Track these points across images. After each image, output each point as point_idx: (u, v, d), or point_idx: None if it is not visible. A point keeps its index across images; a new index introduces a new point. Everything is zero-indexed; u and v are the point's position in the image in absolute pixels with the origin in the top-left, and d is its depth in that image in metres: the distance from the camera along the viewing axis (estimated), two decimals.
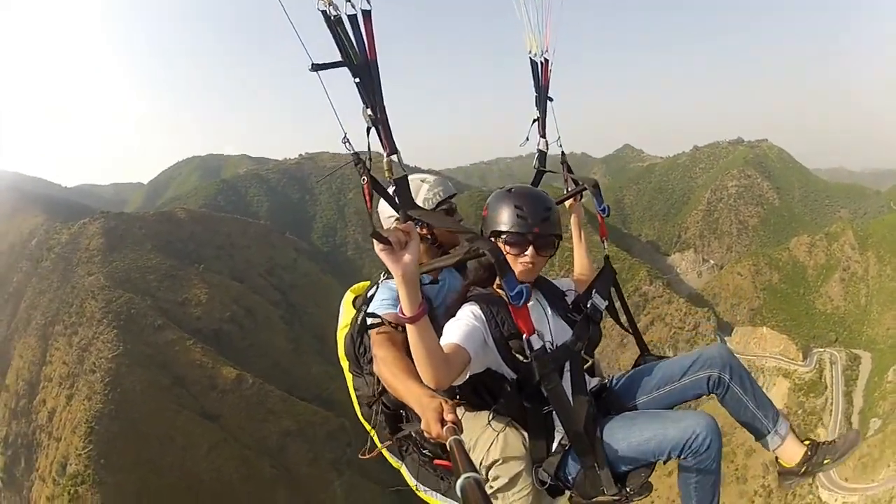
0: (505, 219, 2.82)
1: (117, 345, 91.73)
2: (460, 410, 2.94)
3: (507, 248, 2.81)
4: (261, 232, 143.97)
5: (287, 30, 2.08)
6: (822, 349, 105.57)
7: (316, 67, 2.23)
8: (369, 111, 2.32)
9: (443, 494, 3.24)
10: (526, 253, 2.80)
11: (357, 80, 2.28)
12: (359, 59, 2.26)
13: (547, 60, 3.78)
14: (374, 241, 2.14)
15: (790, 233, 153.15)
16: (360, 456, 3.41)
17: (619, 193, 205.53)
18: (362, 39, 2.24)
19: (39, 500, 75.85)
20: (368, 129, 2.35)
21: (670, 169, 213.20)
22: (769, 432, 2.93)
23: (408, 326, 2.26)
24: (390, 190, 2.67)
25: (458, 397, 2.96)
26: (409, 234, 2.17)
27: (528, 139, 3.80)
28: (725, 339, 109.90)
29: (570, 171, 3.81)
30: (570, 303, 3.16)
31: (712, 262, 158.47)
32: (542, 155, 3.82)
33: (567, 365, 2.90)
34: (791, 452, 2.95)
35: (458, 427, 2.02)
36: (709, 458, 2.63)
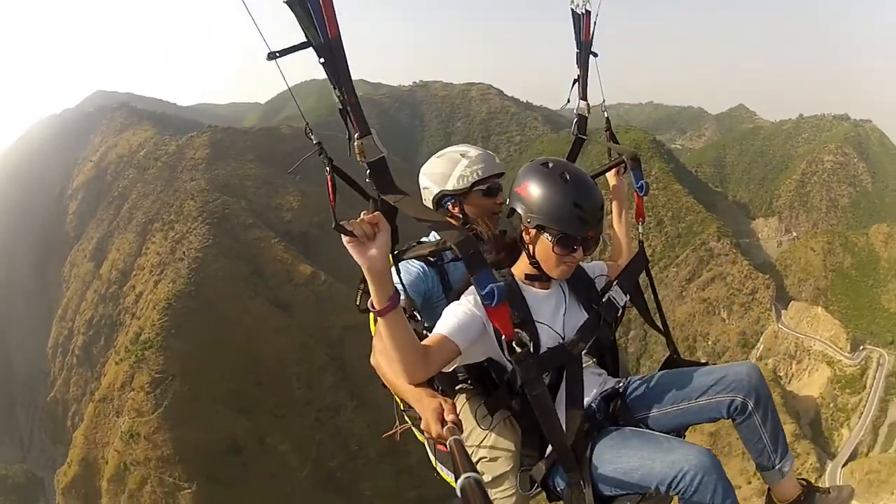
0: (561, 217, 2.47)
1: (207, 238, 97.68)
2: (461, 398, 2.77)
3: (556, 248, 2.50)
4: None
5: None
6: (873, 347, 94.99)
7: (272, 56, 2.00)
8: (337, 92, 2.11)
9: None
10: (574, 255, 2.54)
11: (321, 60, 2.08)
12: (320, 37, 2.04)
13: (588, 12, 3.31)
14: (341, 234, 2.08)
15: (877, 220, 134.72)
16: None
17: (721, 151, 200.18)
18: (321, 15, 2.02)
19: (110, 365, 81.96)
20: (341, 112, 2.14)
21: (774, 134, 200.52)
22: (774, 467, 2.68)
23: (378, 320, 2.16)
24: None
25: (466, 382, 2.81)
26: (376, 226, 2.06)
27: (568, 101, 3.37)
28: (782, 311, 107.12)
29: (613, 139, 3.41)
30: (598, 291, 2.82)
31: (795, 234, 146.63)
32: (583, 120, 3.39)
33: (565, 369, 2.59)
34: (786, 490, 2.75)
35: (458, 427, 2.01)
36: (703, 500, 2.21)
